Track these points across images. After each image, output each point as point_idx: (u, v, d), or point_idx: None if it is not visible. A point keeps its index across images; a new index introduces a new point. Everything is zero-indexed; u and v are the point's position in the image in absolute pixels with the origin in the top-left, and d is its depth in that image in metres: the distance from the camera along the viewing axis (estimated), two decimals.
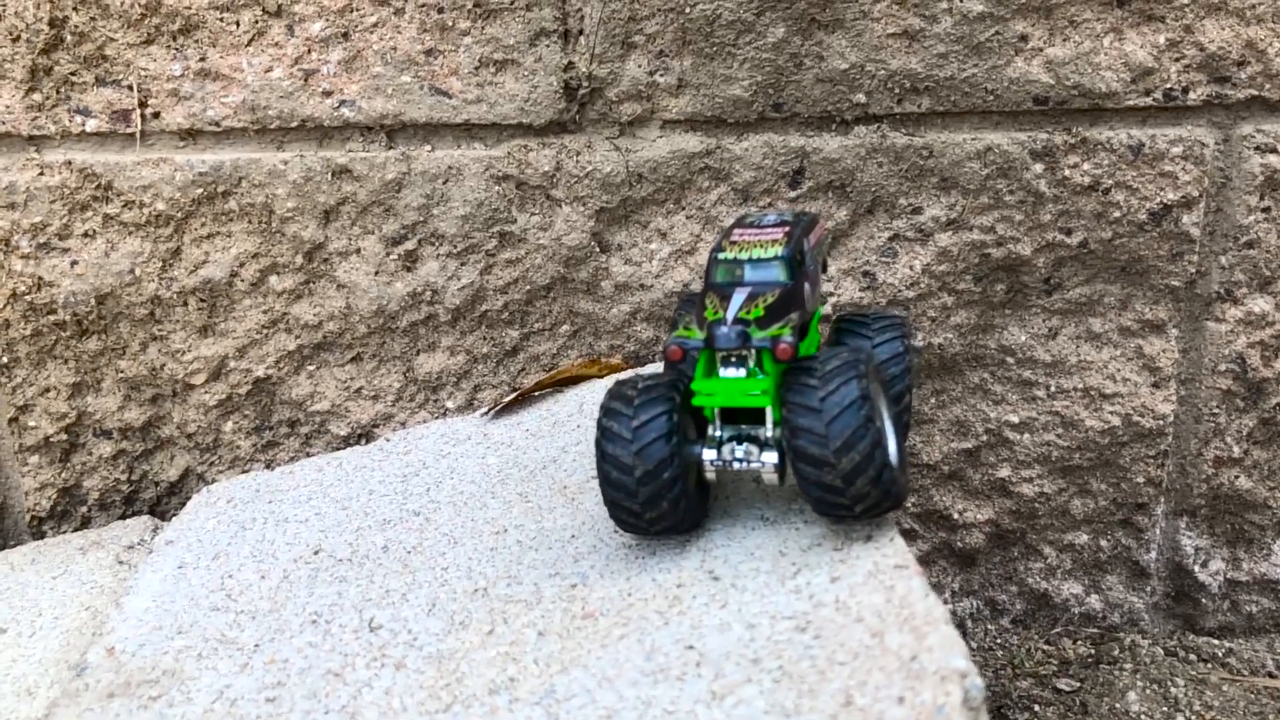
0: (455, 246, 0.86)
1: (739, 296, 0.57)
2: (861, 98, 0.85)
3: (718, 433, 0.58)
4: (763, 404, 0.55)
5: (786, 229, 0.62)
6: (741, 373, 0.56)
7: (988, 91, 0.85)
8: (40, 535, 0.89)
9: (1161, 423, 0.95)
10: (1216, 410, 0.94)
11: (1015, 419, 0.95)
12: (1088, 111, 0.86)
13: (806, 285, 0.60)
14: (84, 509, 0.90)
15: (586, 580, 0.59)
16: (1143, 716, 0.86)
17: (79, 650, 0.68)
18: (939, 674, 0.45)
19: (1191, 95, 0.85)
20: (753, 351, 0.55)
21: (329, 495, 0.77)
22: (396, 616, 0.60)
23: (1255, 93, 0.85)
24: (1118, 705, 0.88)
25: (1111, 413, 0.94)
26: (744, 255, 0.59)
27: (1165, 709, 0.87)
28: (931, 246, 0.89)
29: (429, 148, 0.84)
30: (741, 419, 0.58)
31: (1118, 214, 0.88)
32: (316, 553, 0.69)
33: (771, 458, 0.57)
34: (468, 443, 0.80)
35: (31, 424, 0.87)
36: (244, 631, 0.62)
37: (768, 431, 0.57)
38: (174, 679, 0.60)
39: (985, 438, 0.96)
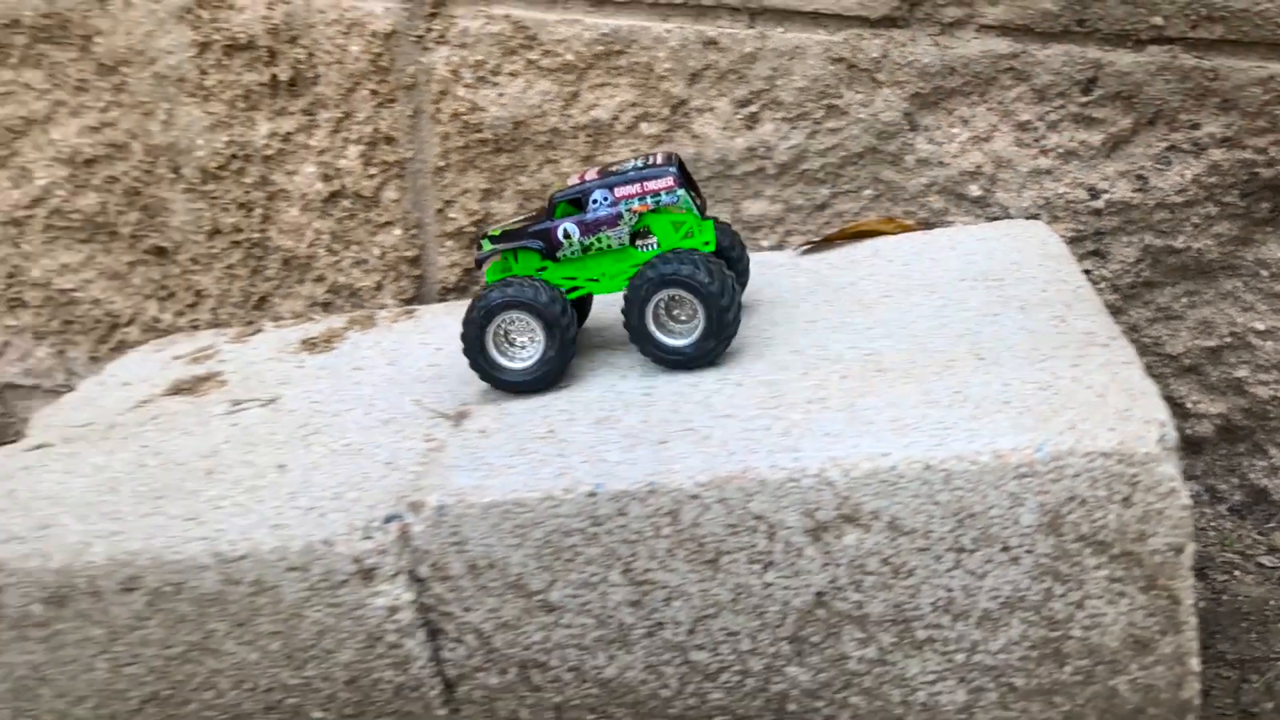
0: (790, 113, 1.06)
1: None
2: (1159, 20, 0.98)
3: None
4: None
5: (596, 175, 0.85)
6: None
7: (1279, 26, 0.96)
8: (443, 299, 1.18)
9: None
10: None
11: (1261, 326, 1.06)
12: None
13: (566, 224, 0.83)
14: (476, 287, 1.17)
15: (879, 351, 0.79)
16: None
17: None
18: (1144, 420, 0.62)
19: None
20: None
21: None
22: (734, 360, 0.82)
23: None
24: None
25: None
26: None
27: None
28: (1204, 160, 1.01)
29: (781, 29, 1.03)
30: None
31: None
32: None
33: None
34: (781, 268, 1.01)
35: (451, 215, 1.15)
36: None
37: None
38: (564, 383, 0.84)
39: (1229, 339, 1.07)
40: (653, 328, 0.82)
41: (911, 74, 1.03)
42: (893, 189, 1.07)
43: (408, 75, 1.11)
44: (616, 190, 0.83)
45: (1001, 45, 1.01)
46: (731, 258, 0.89)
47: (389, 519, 0.73)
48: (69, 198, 1.22)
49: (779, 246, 1.10)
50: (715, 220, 0.87)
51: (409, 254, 1.17)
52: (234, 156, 1.17)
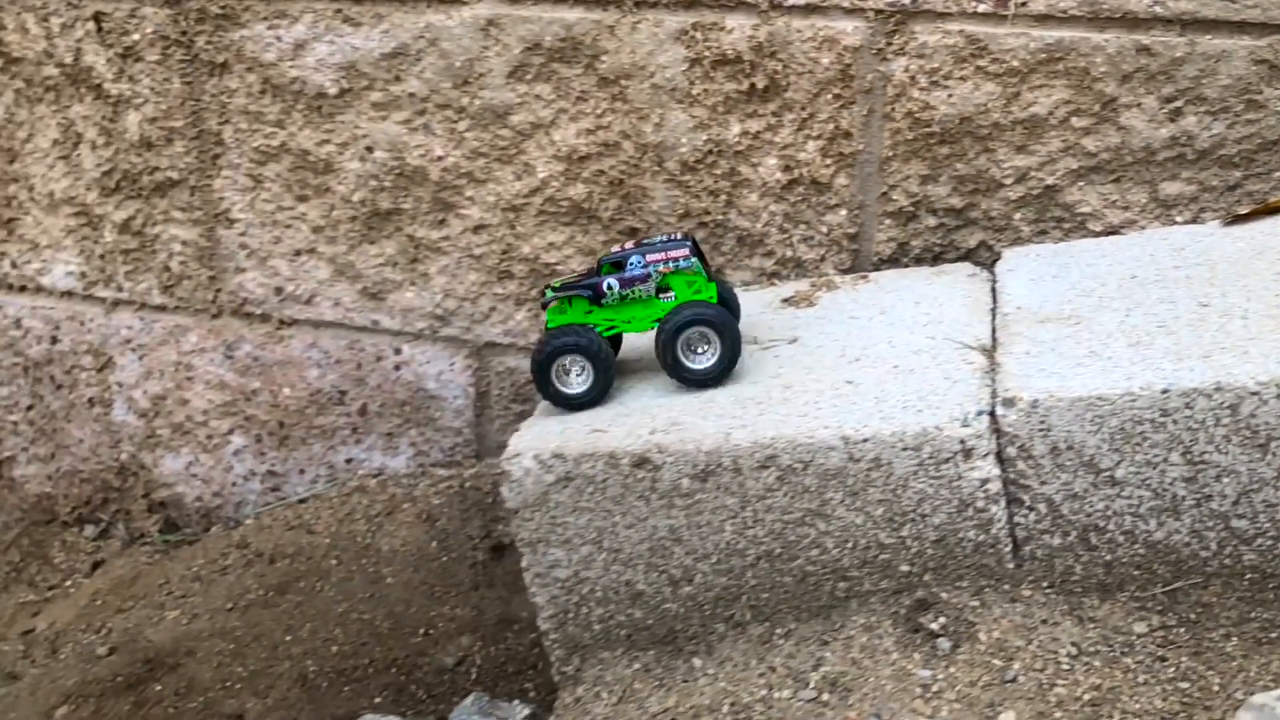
0: (1212, 107, 1.24)
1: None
2: None
3: None
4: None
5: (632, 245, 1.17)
6: None
7: None
8: (878, 269, 1.40)
9: None
10: None
11: None
12: None
13: (609, 280, 1.15)
14: (905, 259, 1.40)
15: None
16: None
17: (983, 308, 1.16)
18: None
19: None
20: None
21: (1113, 258, 1.20)
22: (1223, 301, 1.02)
23: None
24: None
25: None
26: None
27: None
28: None
29: (1209, 36, 1.22)
30: None
31: None
32: (1133, 278, 1.12)
33: None
34: (1211, 238, 1.20)
35: (894, 198, 1.37)
36: (1110, 304, 1.07)
37: None
38: (1078, 319, 1.05)
39: None
40: (682, 358, 1.12)
41: None
42: None
43: (867, 81, 1.35)
44: (648, 256, 1.16)
45: None
46: (732, 305, 1.19)
47: (981, 412, 0.95)
48: (561, 188, 1.50)
49: (1193, 221, 1.28)
50: (720, 281, 1.20)
51: (851, 231, 1.40)
52: (709, 152, 1.42)
